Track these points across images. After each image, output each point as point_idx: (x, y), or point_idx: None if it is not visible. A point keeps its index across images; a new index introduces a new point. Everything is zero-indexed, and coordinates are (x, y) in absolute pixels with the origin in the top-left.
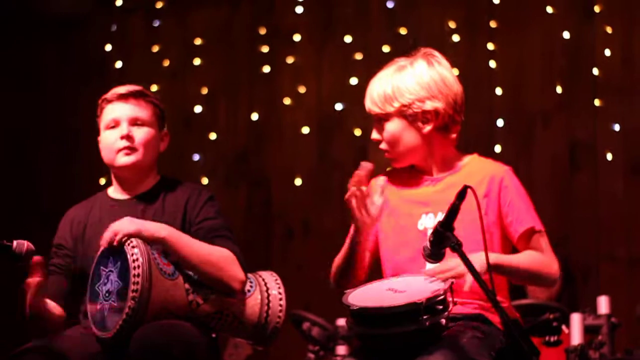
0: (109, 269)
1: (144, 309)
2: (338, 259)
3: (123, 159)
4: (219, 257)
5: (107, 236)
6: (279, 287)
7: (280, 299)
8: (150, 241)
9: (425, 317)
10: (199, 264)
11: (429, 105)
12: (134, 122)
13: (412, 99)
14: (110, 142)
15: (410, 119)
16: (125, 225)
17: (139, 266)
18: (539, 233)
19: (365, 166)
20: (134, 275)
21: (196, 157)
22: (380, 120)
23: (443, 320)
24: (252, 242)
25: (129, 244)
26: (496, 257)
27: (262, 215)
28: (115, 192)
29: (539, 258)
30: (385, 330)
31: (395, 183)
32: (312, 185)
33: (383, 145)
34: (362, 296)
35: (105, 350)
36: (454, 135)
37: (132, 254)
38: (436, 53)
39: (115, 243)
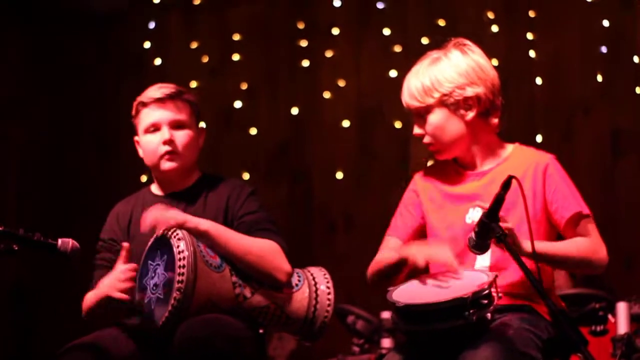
0: (156, 263)
1: (190, 300)
2: (380, 265)
3: (166, 165)
4: (263, 248)
5: (150, 218)
6: (328, 282)
7: (329, 294)
8: (194, 233)
9: (471, 311)
10: (243, 256)
11: (469, 92)
12: (174, 125)
13: (451, 87)
14: (152, 147)
15: (452, 108)
16: (170, 213)
17: (184, 257)
18: (586, 219)
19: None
20: (179, 267)
21: None
22: (420, 114)
23: (489, 315)
24: (293, 236)
25: (174, 236)
26: (543, 246)
27: (304, 209)
28: (157, 189)
29: (586, 244)
30: (431, 327)
31: (439, 180)
32: (353, 179)
33: (427, 139)
34: (407, 292)
35: (151, 345)
36: (495, 120)
37: (178, 246)
38: (467, 42)
39: (158, 231)
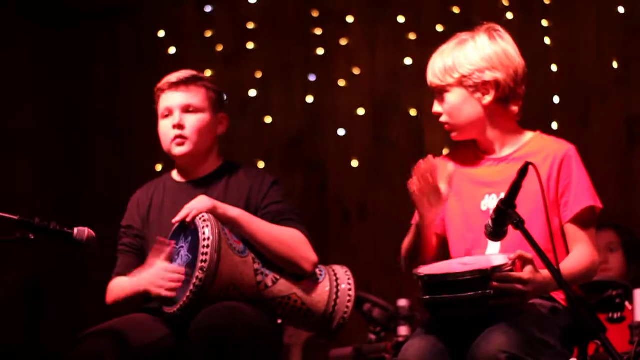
0: (180, 245)
1: (212, 280)
2: (406, 244)
3: (176, 150)
4: (291, 237)
5: (182, 213)
6: (349, 279)
7: (350, 290)
8: (223, 220)
9: (491, 284)
10: (270, 244)
11: (488, 76)
12: (186, 109)
13: (471, 70)
14: (165, 131)
15: (470, 90)
16: (199, 203)
17: (209, 237)
18: (589, 218)
19: (430, 161)
20: (204, 247)
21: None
22: (441, 92)
23: None
24: (308, 225)
25: (200, 218)
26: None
27: (318, 198)
28: (178, 175)
29: (587, 260)
30: (451, 296)
31: (457, 163)
32: (368, 167)
33: (444, 118)
34: (433, 269)
35: (171, 331)
36: (514, 108)
37: (203, 227)
38: (499, 27)
39: (188, 219)
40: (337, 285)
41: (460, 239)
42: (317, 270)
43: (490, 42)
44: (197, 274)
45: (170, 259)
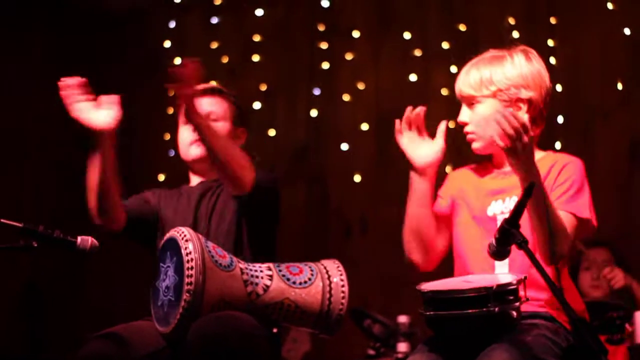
0: (167, 265)
1: (199, 301)
2: (406, 228)
3: (194, 151)
4: (242, 156)
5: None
6: (341, 274)
7: (343, 286)
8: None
9: (495, 302)
10: (219, 152)
11: (524, 93)
12: (207, 116)
13: (508, 85)
14: (184, 136)
15: (504, 104)
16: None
17: (192, 259)
18: (580, 221)
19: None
20: (188, 269)
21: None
22: (471, 103)
23: (514, 313)
24: (309, 238)
25: (182, 238)
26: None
27: (320, 211)
28: (192, 182)
29: (565, 227)
30: (455, 312)
31: (474, 172)
32: (370, 182)
33: (469, 127)
34: (437, 285)
35: (169, 345)
36: (537, 131)
37: (186, 248)
38: (533, 50)
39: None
40: (330, 282)
41: (464, 245)
42: (308, 270)
43: (527, 62)
44: (184, 296)
45: (158, 277)
